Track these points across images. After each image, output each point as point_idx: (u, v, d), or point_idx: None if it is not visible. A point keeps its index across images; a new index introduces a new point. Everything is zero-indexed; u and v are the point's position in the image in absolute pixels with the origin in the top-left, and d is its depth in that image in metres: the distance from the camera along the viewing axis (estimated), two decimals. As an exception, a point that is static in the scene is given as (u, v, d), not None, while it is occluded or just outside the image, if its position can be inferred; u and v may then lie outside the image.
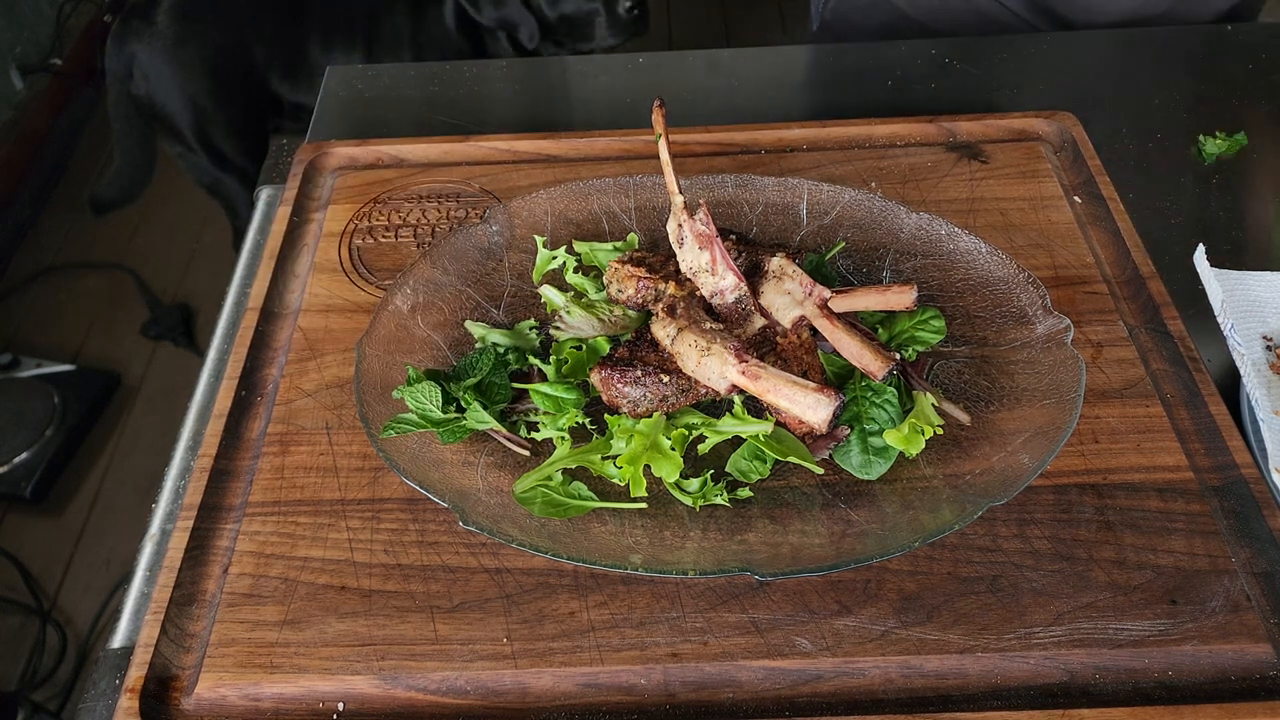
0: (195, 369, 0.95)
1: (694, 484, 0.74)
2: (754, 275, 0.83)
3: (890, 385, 0.78)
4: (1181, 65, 1.24)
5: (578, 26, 2.10)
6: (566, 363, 0.81)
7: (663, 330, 0.78)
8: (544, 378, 0.81)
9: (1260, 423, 0.82)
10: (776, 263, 0.82)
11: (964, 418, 0.78)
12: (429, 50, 2.17)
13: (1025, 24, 1.36)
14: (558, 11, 2.08)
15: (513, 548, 0.71)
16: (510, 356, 0.83)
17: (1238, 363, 0.87)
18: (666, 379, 0.76)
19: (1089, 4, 1.31)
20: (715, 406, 0.81)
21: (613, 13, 2.06)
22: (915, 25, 1.40)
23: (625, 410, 0.76)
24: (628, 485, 0.72)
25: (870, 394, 0.77)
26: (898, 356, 0.76)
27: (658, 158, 0.86)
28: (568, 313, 0.85)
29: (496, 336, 0.85)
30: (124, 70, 2.09)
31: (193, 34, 2.07)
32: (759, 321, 0.81)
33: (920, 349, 0.83)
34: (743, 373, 0.73)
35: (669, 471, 0.73)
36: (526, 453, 0.79)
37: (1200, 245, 0.97)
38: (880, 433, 0.75)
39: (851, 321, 0.80)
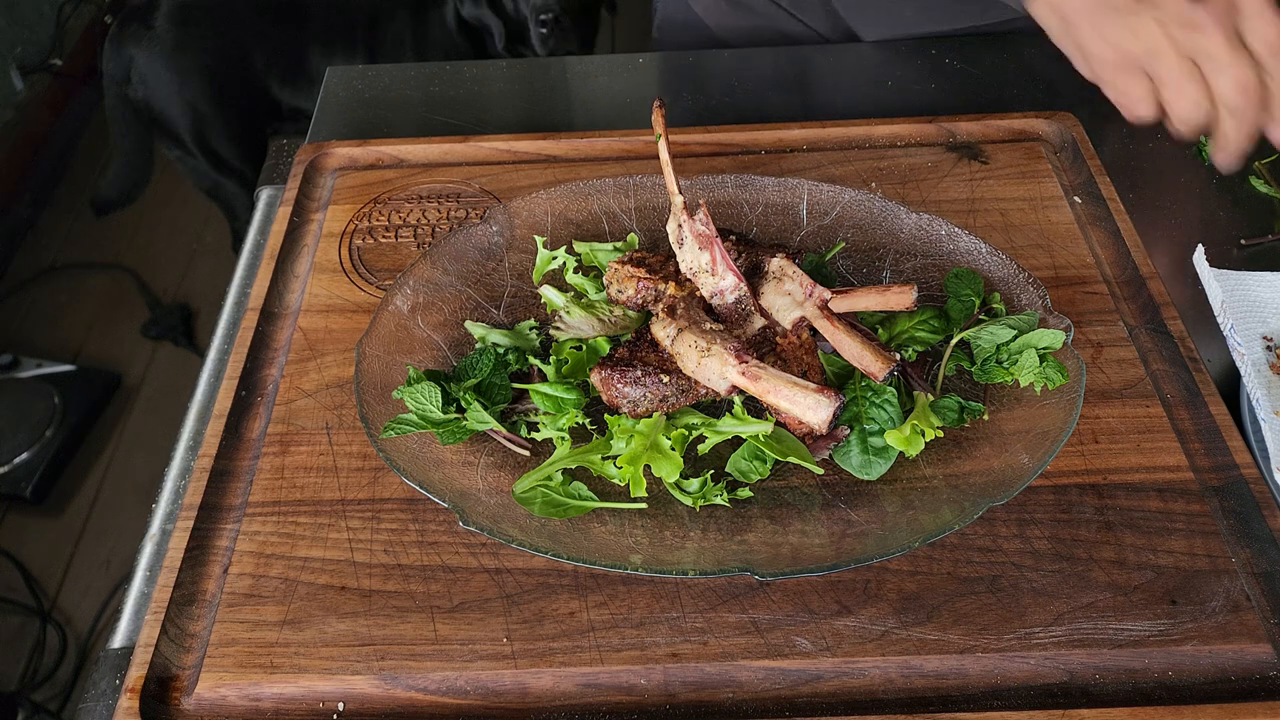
0: (195, 369, 0.95)
1: (694, 484, 0.74)
2: (754, 276, 0.83)
3: (890, 385, 0.78)
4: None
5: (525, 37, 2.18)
6: (566, 363, 0.81)
7: (663, 330, 0.78)
8: (544, 378, 0.81)
9: (1261, 423, 0.82)
10: (776, 263, 0.82)
11: (964, 418, 0.78)
12: (432, 54, 2.18)
13: (823, 40, 1.33)
14: (520, 17, 2.15)
15: (513, 548, 0.71)
16: (510, 357, 0.83)
17: (1238, 363, 0.87)
18: (666, 379, 0.76)
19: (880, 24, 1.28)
20: (715, 406, 0.81)
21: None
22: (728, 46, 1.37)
23: (625, 410, 0.76)
24: (628, 485, 0.72)
25: (870, 394, 0.77)
26: (898, 357, 0.76)
27: (658, 158, 0.86)
28: (568, 313, 0.85)
29: (496, 337, 0.85)
30: (122, 74, 2.09)
31: (191, 39, 2.07)
32: (759, 322, 0.81)
33: (920, 349, 0.83)
34: (743, 373, 0.73)
35: (669, 471, 0.72)
36: (526, 453, 0.79)
37: (1200, 245, 0.97)
38: (880, 433, 0.75)
39: (851, 322, 0.80)
